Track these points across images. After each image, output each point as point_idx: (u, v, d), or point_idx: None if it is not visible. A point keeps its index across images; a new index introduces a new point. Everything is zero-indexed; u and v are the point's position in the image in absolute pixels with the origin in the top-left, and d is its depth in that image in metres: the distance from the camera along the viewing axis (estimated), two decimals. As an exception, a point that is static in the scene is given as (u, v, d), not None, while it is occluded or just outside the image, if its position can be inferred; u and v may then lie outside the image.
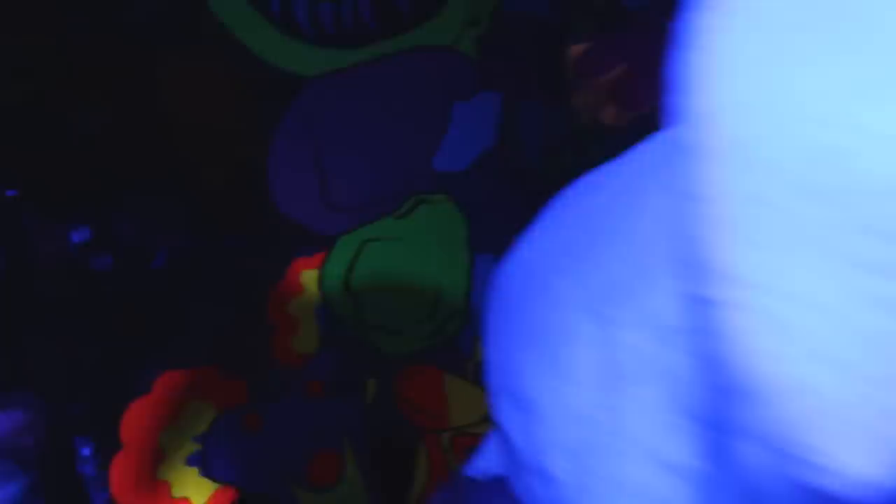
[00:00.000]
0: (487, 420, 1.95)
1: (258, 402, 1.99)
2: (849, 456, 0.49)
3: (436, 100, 2.16)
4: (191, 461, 1.94)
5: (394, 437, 1.98)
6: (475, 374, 2.02)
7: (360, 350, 2.02)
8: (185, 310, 2.07)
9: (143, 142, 2.10)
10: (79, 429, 1.92)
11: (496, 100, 2.15)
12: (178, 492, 1.93)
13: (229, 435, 1.95)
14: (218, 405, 1.98)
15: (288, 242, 2.10)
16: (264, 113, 2.17)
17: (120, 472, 1.91)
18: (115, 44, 2.08)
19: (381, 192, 2.12)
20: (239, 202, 2.12)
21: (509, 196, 2.13)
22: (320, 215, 2.12)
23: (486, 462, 0.91)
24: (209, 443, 1.95)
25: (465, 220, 2.10)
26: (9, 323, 1.80)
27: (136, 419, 1.94)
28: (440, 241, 2.09)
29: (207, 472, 1.94)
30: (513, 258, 0.85)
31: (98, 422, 1.95)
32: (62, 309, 1.95)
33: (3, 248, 1.79)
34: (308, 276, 2.06)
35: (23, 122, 2.01)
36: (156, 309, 2.06)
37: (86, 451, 1.93)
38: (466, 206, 2.12)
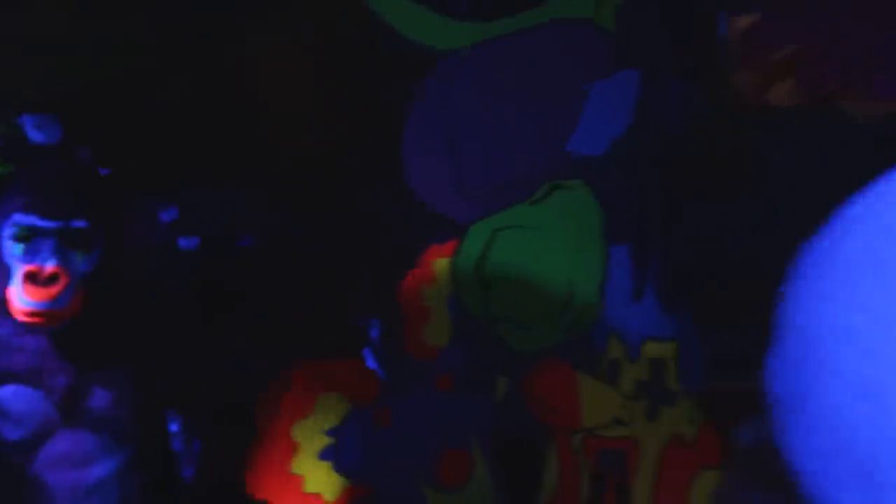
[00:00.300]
0: (620, 422, 1.92)
1: (389, 396, 1.98)
2: None
3: (572, 77, 2.09)
4: (324, 455, 1.95)
5: (523, 436, 1.96)
6: (608, 372, 1.98)
7: (491, 344, 1.99)
8: (279, 294, 2.06)
9: (234, 123, 2.08)
10: (169, 404, 1.96)
11: (635, 77, 2.06)
12: (310, 487, 1.95)
13: (360, 429, 1.95)
14: (351, 398, 1.98)
15: (421, 228, 2.06)
16: (399, 89, 2.13)
17: (255, 464, 1.93)
18: (210, 23, 2.04)
19: (515, 177, 2.07)
20: (367, 184, 2.09)
21: (647, 183, 2.05)
22: (453, 200, 2.08)
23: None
24: (341, 437, 1.95)
25: (601, 209, 2.04)
26: (104, 299, 1.83)
27: (271, 410, 1.95)
28: (574, 230, 2.03)
29: (340, 468, 1.95)
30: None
31: (190, 398, 1.97)
32: (154, 287, 1.97)
33: (102, 227, 1.82)
34: (440, 265, 2.03)
35: (116, 104, 2.01)
36: (247, 290, 2.06)
37: (174, 427, 1.97)
38: (602, 193, 2.05)
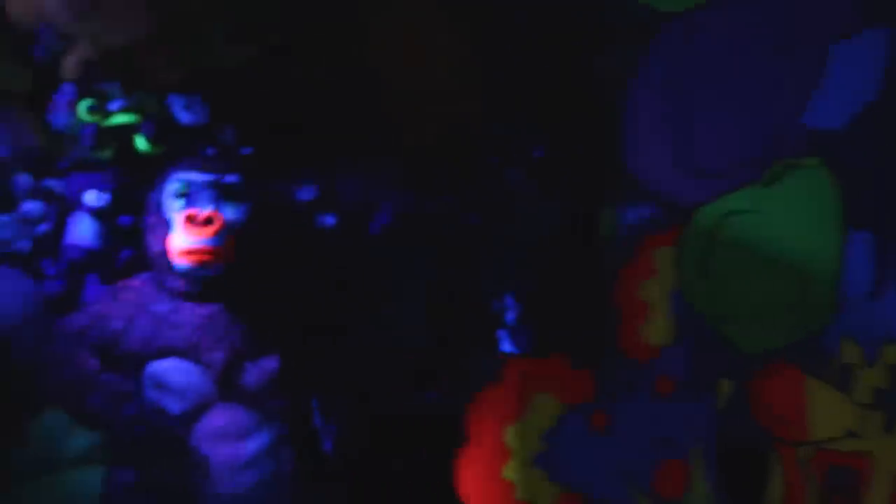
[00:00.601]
0: (853, 435, 1.79)
1: (606, 399, 1.91)
2: None
3: (811, 39, 1.89)
4: (537, 461, 1.91)
5: (746, 445, 1.86)
6: (841, 378, 1.84)
7: (715, 344, 1.88)
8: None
9: (372, 102, 2.04)
10: (314, 382, 2.03)
11: (883, 38, 1.85)
12: (522, 494, 1.92)
13: (576, 435, 1.89)
14: (564, 399, 1.91)
15: (640, 213, 1.95)
16: (618, 58, 1.99)
17: (466, 467, 1.91)
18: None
19: (746, 155, 1.91)
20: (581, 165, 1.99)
21: (893, 161, 1.86)
22: (677, 181, 1.95)
23: None
24: (556, 442, 1.90)
25: (841, 191, 1.86)
26: (246, 280, 1.94)
27: (483, 411, 1.91)
28: (810, 216, 1.87)
29: (554, 475, 1.90)
30: None
31: (332, 377, 2.03)
32: (299, 264, 2.07)
33: (250, 187, 1.97)
34: (661, 255, 1.91)
35: (254, 84, 2.04)
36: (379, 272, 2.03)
37: (314, 403, 2.05)
38: (843, 173, 1.86)
